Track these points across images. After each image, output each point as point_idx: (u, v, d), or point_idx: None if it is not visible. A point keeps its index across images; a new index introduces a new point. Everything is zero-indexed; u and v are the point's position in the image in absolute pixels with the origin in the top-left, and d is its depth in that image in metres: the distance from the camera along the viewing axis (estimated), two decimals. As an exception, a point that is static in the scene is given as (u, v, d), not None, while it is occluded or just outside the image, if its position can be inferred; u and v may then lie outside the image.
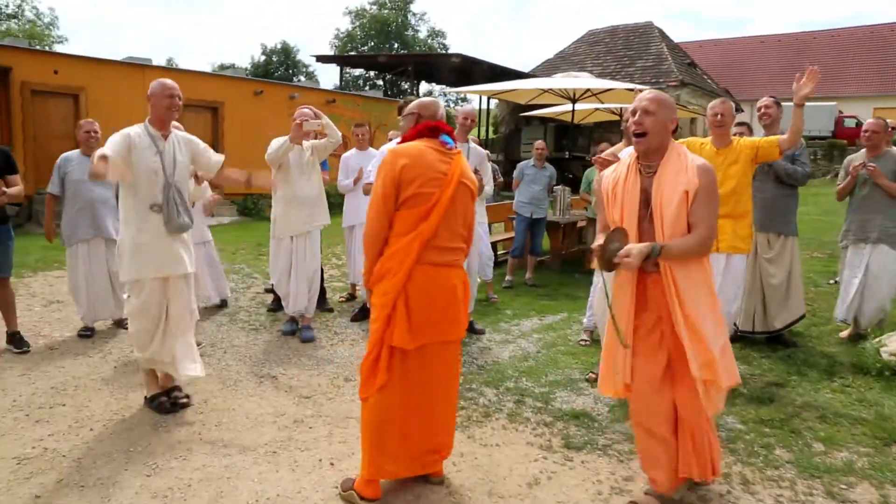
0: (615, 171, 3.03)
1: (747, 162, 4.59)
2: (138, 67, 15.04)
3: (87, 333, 5.51)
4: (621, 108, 13.08)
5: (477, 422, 3.88)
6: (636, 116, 2.81)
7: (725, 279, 4.60)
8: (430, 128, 3.04)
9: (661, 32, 27.75)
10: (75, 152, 5.55)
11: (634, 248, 2.72)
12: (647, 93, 2.92)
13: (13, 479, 3.18)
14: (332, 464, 3.35)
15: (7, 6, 28.75)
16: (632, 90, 10.29)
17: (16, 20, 27.30)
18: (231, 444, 3.55)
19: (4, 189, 4.75)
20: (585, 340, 5.57)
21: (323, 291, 6.56)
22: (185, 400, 4.09)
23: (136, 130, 3.83)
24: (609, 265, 2.81)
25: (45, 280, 7.53)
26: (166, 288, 3.94)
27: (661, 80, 23.82)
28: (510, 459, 3.44)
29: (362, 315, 6.17)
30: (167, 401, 4.04)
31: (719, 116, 4.59)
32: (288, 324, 5.81)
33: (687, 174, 2.74)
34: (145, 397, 4.10)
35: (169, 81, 3.93)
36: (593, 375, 4.62)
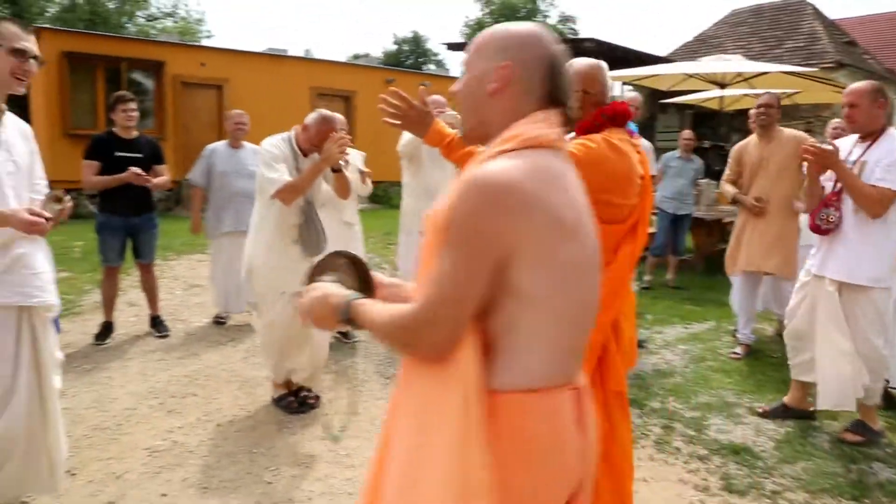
0: None
1: None
2: (276, 58, 15.54)
3: (221, 321, 5.59)
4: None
5: (621, 448, 3.46)
6: None
7: None
8: (616, 113, 2.30)
9: (815, 9, 25.28)
10: (222, 143, 5.55)
11: None
12: None
13: (144, 472, 3.15)
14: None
15: (165, 6, 30.99)
16: (795, 73, 9.26)
17: (172, 18, 29.30)
18: (354, 453, 3.36)
19: (149, 178, 4.88)
20: (737, 354, 4.98)
21: None
22: (312, 401, 3.97)
23: (281, 146, 3.67)
24: None
25: (188, 263, 7.83)
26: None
27: (813, 62, 21.69)
28: (662, 499, 3.00)
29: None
30: (294, 400, 3.94)
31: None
32: None
33: None
34: (272, 398, 4.01)
35: (339, 117, 3.88)
36: (764, 409, 3.97)
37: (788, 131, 4.71)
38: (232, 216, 5.36)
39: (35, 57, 2.47)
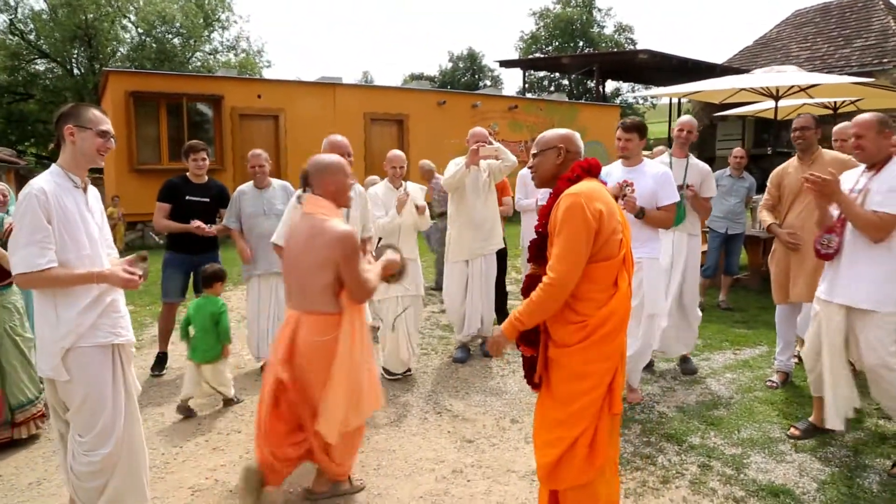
0: None
1: None
2: (329, 86, 15.93)
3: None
4: (835, 102, 11.52)
5: (653, 489, 3.38)
6: None
7: None
8: (590, 167, 2.66)
9: (887, 3, 24.14)
10: (248, 185, 5.37)
11: None
12: None
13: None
14: (487, 530, 3.08)
15: (227, 40, 32.23)
16: (856, 83, 8.90)
17: (234, 52, 30.43)
18: (387, 493, 3.40)
19: (210, 231, 5.20)
20: (773, 382, 4.85)
21: (505, 314, 6.47)
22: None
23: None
24: None
25: (242, 294, 8.08)
26: None
27: (885, 61, 20.74)
28: (693, 545, 2.93)
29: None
30: None
31: None
32: (460, 350, 5.71)
33: None
34: None
35: (337, 139, 4.07)
36: (796, 431, 3.96)
37: (830, 153, 4.54)
38: (262, 256, 5.20)
39: (113, 136, 2.91)
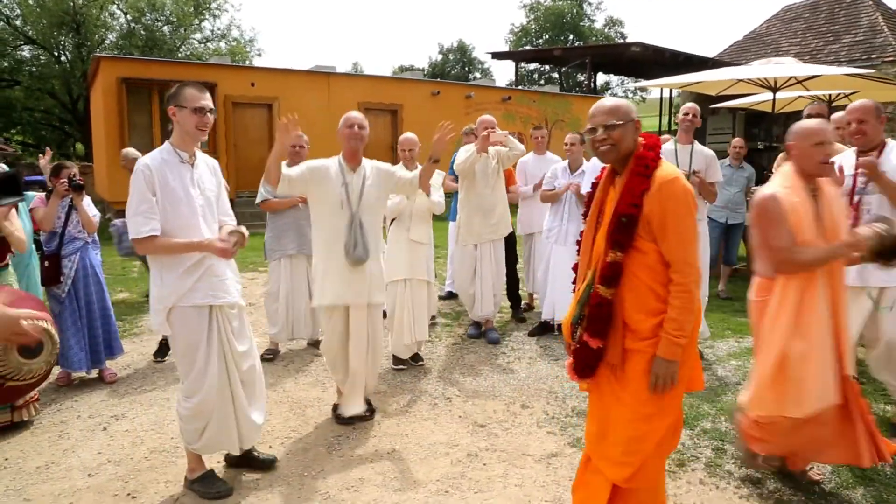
0: None
1: None
2: (323, 75, 15.83)
3: (269, 357, 5.28)
4: (830, 95, 11.59)
5: (670, 472, 3.39)
6: None
7: None
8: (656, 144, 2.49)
9: (875, 0, 24.38)
10: (284, 165, 5.44)
11: None
12: None
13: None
14: (507, 511, 3.07)
15: (218, 28, 31.87)
16: (851, 75, 8.96)
17: (224, 40, 30.12)
18: (402, 476, 3.39)
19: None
20: None
21: (517, 299, 6.54)
22: (367, 414, 4.11)
23: (328, 162, 3.91)
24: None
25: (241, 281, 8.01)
26: (348, 317, 3.92)
27: (873, 57, 20.90)
28: (714, 526, 2.94)
29: (540, 330, 5.92)
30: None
31: None
32: (473, 327, 5.94)
33: None
34: (333, 405, 4.24)
35: (353, 114, 3.98)
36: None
37: (837, 146, 4.56)
38: (293, 237, 5.24)
39: (211, 110, 3.09)
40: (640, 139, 2.46)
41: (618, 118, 2.41)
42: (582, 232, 2.66)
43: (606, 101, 2.50)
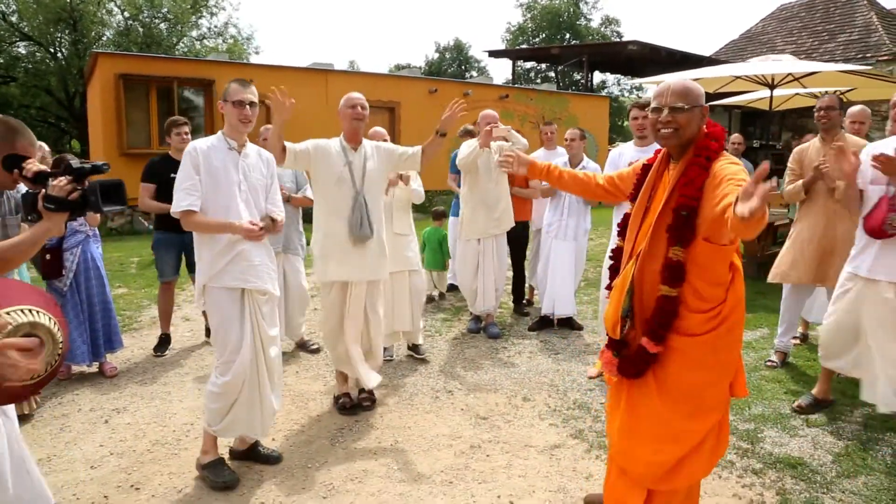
0: None
1: None
2: (321, 72, 15.80)
3: (311, 348, 5.43)
4: (826, 92, 11.63)
5: (674, 462, 3.41)
6: None
7: None
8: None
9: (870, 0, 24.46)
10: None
11: None
12: None
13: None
14: (511, 502, 3.07)
15: (216, 26, 31.76)
16: (848, 71, 8.99)
17: (222, 38, 30.03)
18: (406, 468, 3.39)
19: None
20: (773, 362, 4.94)
21: (521, 294, 6.58)
22: (368, 403, 4.17)
23: (330, 142, 3.97)
24: None
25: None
26: (347, 293, 3.98)
27: (868, 56, 20.96)
28: (717, 515, 2.95)
29: (540, 325, 5.94)
30: (349, 401, 4.15)
31: None
32: (473, 322, 5.96)
33: None
34: (334, 396, 4.26)
35: (354, 94, 4.02)
36: (801, 405, 4.05)
37: (853, 138, 4.54)
38: (278, 238, 5.03)
39: (252, 103, 3.23)
40: (704, 127, 2.35)
41: (687, 102, 2.28)
42: (627, 214, 2.54)
43: (676, 80, 2.36)
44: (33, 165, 2.34)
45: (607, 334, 2.50)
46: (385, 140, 4.87)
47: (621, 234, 2.57)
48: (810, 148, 4.68)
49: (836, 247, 4.44)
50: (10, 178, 2.37)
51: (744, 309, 2.38)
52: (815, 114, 4.55)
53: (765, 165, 1.76)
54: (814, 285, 4.74)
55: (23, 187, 2.69)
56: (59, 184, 2.22)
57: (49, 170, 2.33)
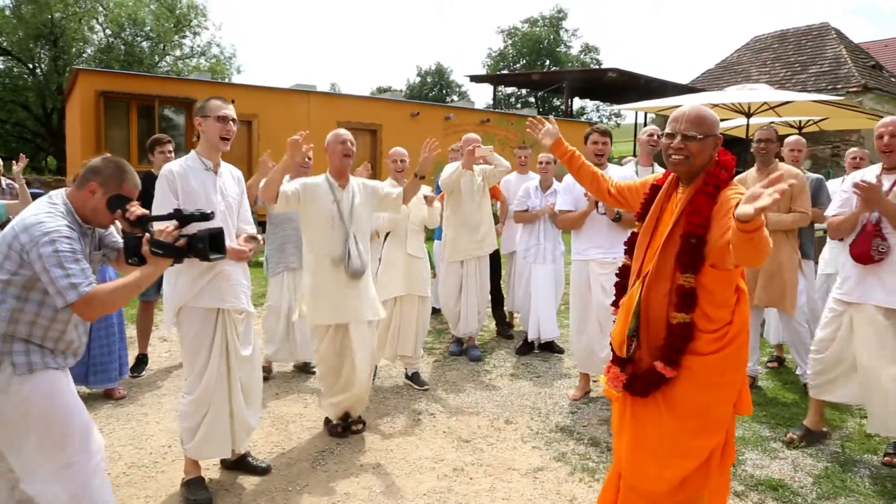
0: None
1: None
2: (304, 93, 15.85)
3: (263, 376, 5.22)
4: (800, 121, 11.90)
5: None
6: None
7: None
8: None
9: (839, 33, 25.13)
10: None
11: None
12: None
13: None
14: (495, 525, 3.05)
15: (199, 46, 31.77)
16: (822, 102, 9.23)
17: (204, 57, 30.04)
18: (389, 491, 3.36)
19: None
20: None
21: (502, 316, 6.59)
22: (358, 427, 4.12)
23: (317, 179, 3.96)
24: None
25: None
26: (347, 335, 3.91)
27: (839, 87, 21.52)
28: (700, 539, 2.95)
29: (526, 349, 5.94)
30: (339, 425, 4.10)
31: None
32: (455, 345, 5.95)
33: None
34: (326, 419, 4.21)
35: (342, 131, 4.05)
36: (794, 437, 3.98)
37: (785, 166, 4.71)
38: (295, 251, 5.00)
39: (234, 120, 3.23)
40: (715, 156, 2.36)
41: (700, 131, 2.29)
42: (635, 234, 2.56)
43: (692, 108, 2.36)
44: (137, 209, 2.38)
45: (613, 352, 2.53)
46: (406, 159, 5.07)
47: (628, 252, 2.60)
48: (748, 177, 4.78)
49: (778, 270, 4.58)
50: (110, 217, 2.40)
51: (749, 329, 2.41)
52: (755, 145, 4.68)
53: (779, 173, 1.80)
54: (762, 308, 4.81)
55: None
56: (167, 229, 2.27)
57: (150, 214, 2.36)
